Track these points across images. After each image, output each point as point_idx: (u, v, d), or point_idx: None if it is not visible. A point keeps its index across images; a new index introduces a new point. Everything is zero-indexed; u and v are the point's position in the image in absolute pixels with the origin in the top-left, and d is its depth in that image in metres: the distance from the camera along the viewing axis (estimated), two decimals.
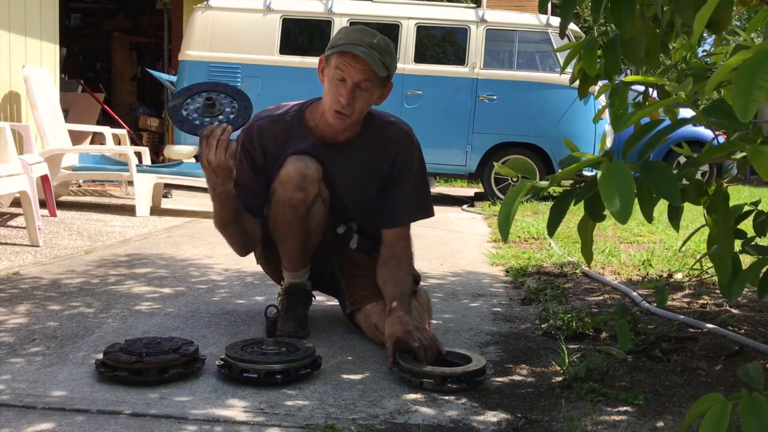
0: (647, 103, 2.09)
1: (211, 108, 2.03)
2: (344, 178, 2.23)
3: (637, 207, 1.27)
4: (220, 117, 2.03)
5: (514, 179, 7.22)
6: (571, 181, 1.40)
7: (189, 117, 2.04)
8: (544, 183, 1.31)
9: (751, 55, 0.95)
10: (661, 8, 1.62)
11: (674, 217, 1.36)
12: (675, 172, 1.27)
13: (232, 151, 1.96)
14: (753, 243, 1.52)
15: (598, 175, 1.14)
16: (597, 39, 1.84)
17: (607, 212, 1.29)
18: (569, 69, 6.67)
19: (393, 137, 2.25)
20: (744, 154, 1.21)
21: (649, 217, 1.23)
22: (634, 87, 2.00)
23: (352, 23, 6.64)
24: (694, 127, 1.36)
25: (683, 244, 1.91)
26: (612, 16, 1.54)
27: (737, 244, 1.51)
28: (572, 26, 7.29)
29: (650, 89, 2.13)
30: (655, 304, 2.63)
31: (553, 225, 1.37)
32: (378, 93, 2.14)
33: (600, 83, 2.16)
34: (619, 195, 1.10)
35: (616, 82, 1.88)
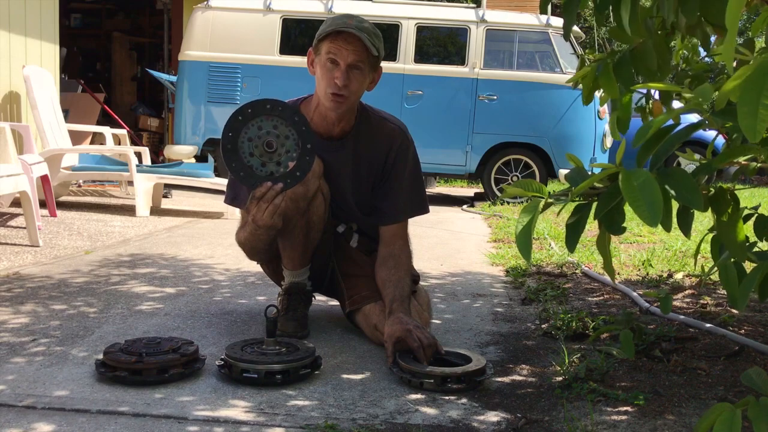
0: (651, 105, 2.09)
1: (270, 152, 1.97)
2: (341, 173, 2.23)
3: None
4: (279, 163, 1.98)
5: (515, 180, 7.22)
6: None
7: (243, 156, 1.96)
8: (557, 201, 1.28)
9: (752, 72, 0.93)
10: (665, 10, 1.61)
11: (685, 223, 1.34)
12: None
13: (281, 211, 2.00)
14: (755, 249, 1.51)
15: (620, 184, 1.12)
16: (607, 59, 1.82)
17: (626, 224, 1.28)
18: (572, 69, 6.67)
19: (387, 133, 2.26)
20: (751, 155, 1.20)
21: (668, 227, 1.20)
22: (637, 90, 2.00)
23: None
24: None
25: (696, 253, 1.90)
26: (614, 18, 1.54)
27: None
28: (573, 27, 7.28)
29: (653, 91, 2.13)
30: (655, 304, 2.63)
31: (572, 242, 1.32)
32: (370, 77, 2.16)
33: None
34: (645, 200, 1.09)
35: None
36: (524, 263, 3.60)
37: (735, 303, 1.40)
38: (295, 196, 2.13)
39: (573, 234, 1.32)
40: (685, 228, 1.34)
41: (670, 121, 1.22)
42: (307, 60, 2.19)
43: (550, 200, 1.27)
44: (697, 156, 1.51)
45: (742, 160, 1.25)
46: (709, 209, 1.41)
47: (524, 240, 1.22)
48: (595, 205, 1.29)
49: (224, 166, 2.02)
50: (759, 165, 1.31)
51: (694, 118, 1.23)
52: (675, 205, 1.24)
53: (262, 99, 2.00)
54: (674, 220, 1.39)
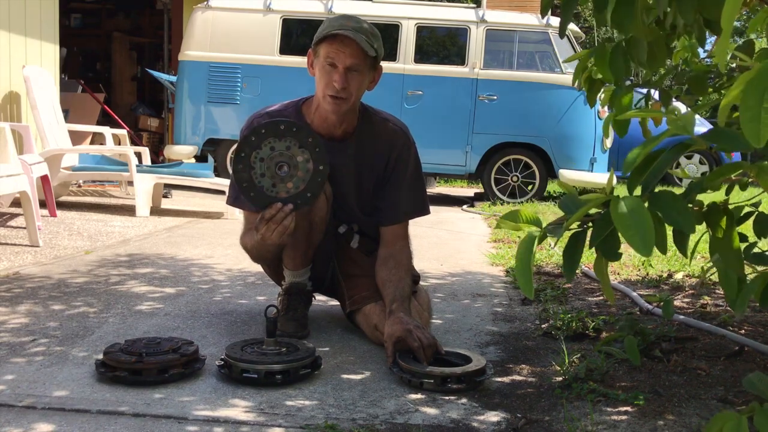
0: (650, 106, 2.09)
1: (282, 173, 1.97)
2: (343, 174, 2.23)
3: None
4: (290, 184, 1.98)
5: (515, 180, 7.23)
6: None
7: (254, 176, 1.96)
8: (552, 234, 1.28)
9: (753, 77, 0.93)
10: (661, 8, 1.62)
11: (681, 243, 1.33)
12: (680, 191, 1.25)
13: (290, 231, 2.01)
14: (754, 250, 1.51)
15: (612, 214, 1.12)
16: (605, 45, 1.83)
17: (621, 250, 1.28)
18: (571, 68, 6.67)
19: (389, 133, 2.26)
20: (741, 171, 1.19)
21: (663, 249, 1.20)
22: (636, 89, 2.00)
23: None
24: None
25: (692, 252, 1.90)
26: (613, 17, 1.54)
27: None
28: (572, 26, 7.29)
29: (652, 92, 2.13)
30: (655, 304, 2.63)
31: (570, 271, 1.32)
32: (369, 77, 2.16)
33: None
34: (637, 230, 1.09)
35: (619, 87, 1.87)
36: None
37: (734, 307, 1.40)
38: None
39: (570, 263, 1.32)
40: (682, 247, 1.34)
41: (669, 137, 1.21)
42: (306, 62, 2.20)
43: (545, 233, 1.27)
44: (687, 170, 1.51)
45: (733, 176, 1.25)
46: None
47: (524, 276, 1.22)
48: (590, 232, 1.30)
49: (234, 184, 2.01)
50: (750, 180, 1.31)
51: (701, 127, 1.23)
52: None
53: (276, 120, 2.01)
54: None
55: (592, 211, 1.26)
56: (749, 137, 0.91)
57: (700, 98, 2.08)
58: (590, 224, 1.30)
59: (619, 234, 1.21)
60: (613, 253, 1.27)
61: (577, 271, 3.39)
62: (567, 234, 1.32)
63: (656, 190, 1.21)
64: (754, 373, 1.22)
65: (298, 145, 1.97)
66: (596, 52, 1.84)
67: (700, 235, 1.89)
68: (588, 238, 1.30)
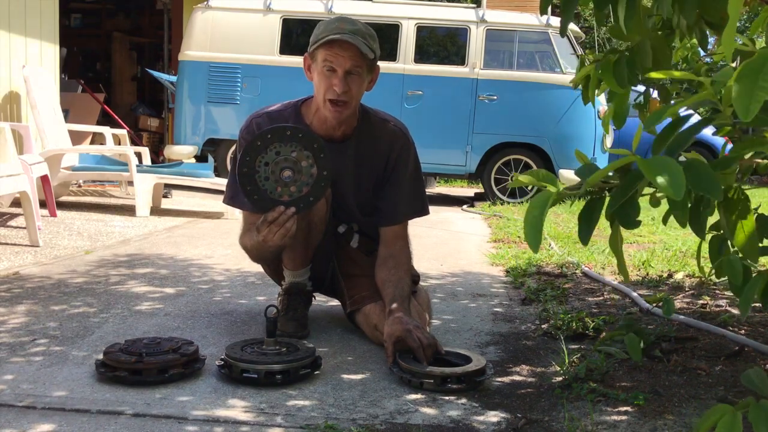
0: (648, 103, 2.09)
1: (286, 177, 1.99)
2: (342, 175, 2.23)
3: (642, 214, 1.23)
4: (293, 188, 2.00)
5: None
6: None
7: (258, 180, 1.98)
8: (569, 195, 1.26)
9: (754, 58, 0.94)
10: (664, 10, 1.62)
11: (698, 222, 1.30)
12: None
13: (291, 233, 2.02)
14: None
15: (639, 165, 1.08)
16: (608, 56, 1.83)
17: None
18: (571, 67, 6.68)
19: (388, 134, 2.26)
20: (761, 149, 1.18)
21: (683, 222, 1.18)
22: (633, 88, 2.00)
23: None
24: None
25: (698, 254, 1.89)
26: (614, 17, 1.54)
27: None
28: (572, 26, 7.29)
29: (651, 89, 2.13)
30: (655, 304, 2.63)
31: (585, 234, 1.27)
32: (368, 78, 2.16)
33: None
34: (667, 174, 1.04)
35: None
36: (524, 263, 3.59)
37: (740, 305, 1.39)
38: None
39: (586, 226, 1.27)
40: (698, 227, 1.29)
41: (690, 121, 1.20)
42: (303, 64, 2.19)
43: (562, 191, 1.23)
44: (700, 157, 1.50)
45: (756, 158, 1.24)
46: (716, 208, 1.39)
47: (534, 231, 1.18)
48: (607, 200, 1.27)
49: (239, 189, 2.03)
50: None
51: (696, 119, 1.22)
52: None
53: (282, 125, 2.03)
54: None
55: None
56: (739, 111, 0.93)
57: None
58: (607, 193, 1.27)
59: (638, 201, 1.18)
60: (631, 221, 1.22)
61: (577, 271, 3.40)
62: (581, 204, 1.30)
63: None
64: (753, 368, 1.22)
65: (303, 149, 1.99)
66: (601, 64, 1.82)
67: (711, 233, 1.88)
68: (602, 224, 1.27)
